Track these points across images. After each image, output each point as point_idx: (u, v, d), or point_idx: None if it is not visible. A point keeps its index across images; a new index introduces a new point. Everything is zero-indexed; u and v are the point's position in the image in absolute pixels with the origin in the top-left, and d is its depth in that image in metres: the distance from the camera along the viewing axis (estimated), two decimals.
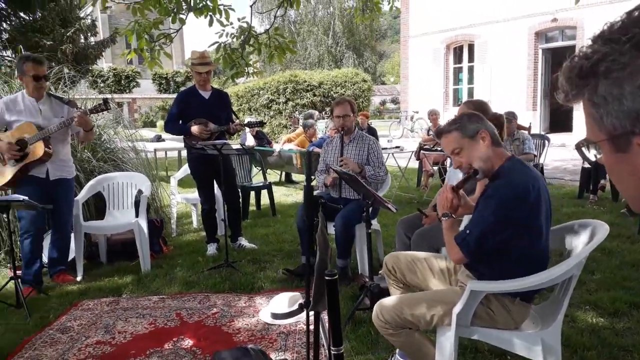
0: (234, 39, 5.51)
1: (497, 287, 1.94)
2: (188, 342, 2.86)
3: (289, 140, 8.26)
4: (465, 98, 15.63)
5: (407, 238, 3.33)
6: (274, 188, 8.23)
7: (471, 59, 15.88)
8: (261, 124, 4.78)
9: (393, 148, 7.43)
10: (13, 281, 3.37)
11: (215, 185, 4.63)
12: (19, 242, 3.88)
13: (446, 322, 1.99)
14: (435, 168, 7.17)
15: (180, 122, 4.41)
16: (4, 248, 4.14)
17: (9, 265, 3.53)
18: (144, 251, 4.13)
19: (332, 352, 1.27)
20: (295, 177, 8.93)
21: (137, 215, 4.26)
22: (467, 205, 2.15)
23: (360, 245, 3.77)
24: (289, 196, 7.57)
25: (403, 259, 2.42)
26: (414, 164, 7.81)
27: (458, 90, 16.69)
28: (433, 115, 8.48)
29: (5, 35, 12.78)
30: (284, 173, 9.00)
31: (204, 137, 4.25)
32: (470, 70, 15.99)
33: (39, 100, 3.77)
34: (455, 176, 3.15)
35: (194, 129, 4.26)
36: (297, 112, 15.79)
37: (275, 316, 3.11)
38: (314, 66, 31.43)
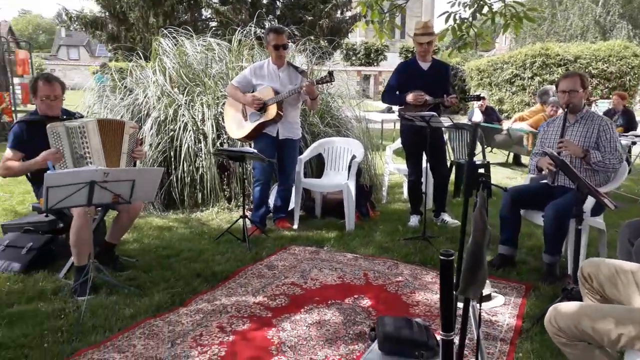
0: (466, 8, 5.25)
1: None
2: (367, 302, 3.00)
3: (521, 119, 7.59)
4: None
5: (631, 245, 2.78)
6: (498, 169, 7.76)
7: None
8: (478, 98, 4.52)
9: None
10: (242, 220, 4.05)
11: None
12: (251, 189, 4.61)
13: (637, 347, 1.64)
14: None
15: (398, 92, 4.49)
16: (239, 192, 4.95)
17: (240, 206, 4.22)
18: (349, 211, 4.43)
19: (441, 337, 1.20)
20: (525, 159, 8.20)
21: (348, 178, 4.57)
22: None
23: (571, 242, 3.30)
24: (513, 180, 7.02)
25: (605, 268, 2.04)
26: None
27: None
28: None
29: (277, 12, 14.81)
30: (511, 154, 8.36)
31: (418, 103, 4.25)
32: None
33: (280, 67, 4.31)
34: None
35: (409, 96, 4.28)
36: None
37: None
38: (575, 39, 27.59)
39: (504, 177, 7.08)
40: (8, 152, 3.22)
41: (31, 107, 3.41)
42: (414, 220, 4.62)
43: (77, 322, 2.62)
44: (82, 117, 3.50)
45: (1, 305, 2.81)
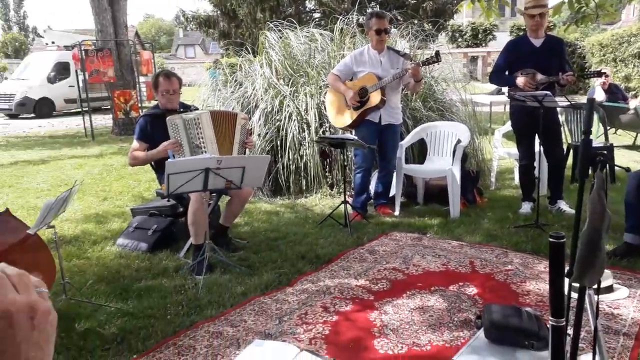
0: None
1: None
2: (472, 290, 2.91)
3: None
4: None
5: None
6: (624, 152, 7.03)
7: None
8: (599, 74, 4.11)
9: None
10: (344, 205, 4.11)
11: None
12: (352, 175, 4.66)
13: None
14: None
15: (507, 72, 4.25)
16: (341, 179, 5.02)
17: (342, 192, 4.29)
18: (454, 198, 4.30)
19: (551, 324, 1.13)
20: None
21: (452, 164, 4.43)
22: None
23: None
24: None
25: None
26: None
27: None
28: None
29: None
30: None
31: (529, 89, 3.99)
32: None
33: (380, 52, 4.29)
34: None
35: (519, 80, 4.03)
36: None
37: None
38: None
39: (630, 161, 6.38)
40: (134, 144, 3.58)
41: (154, 103, 3.79)
42: (525, 207, 4.36)
43: (195, 298, 2.87)
44: (197, 109, 3.78)
45: (132, 280, 3.15)
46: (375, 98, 4.16)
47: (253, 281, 3.08)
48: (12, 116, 17.44)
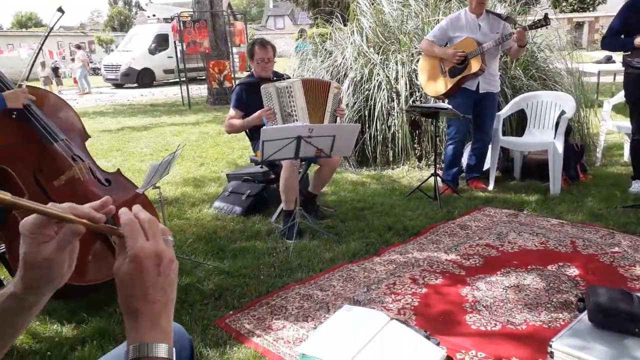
0: None
1: None
2: (573, 271, 2.73)
3: None
4: None
5: None
6: None
7: None
8: None
9: None
10: (434, 177, 4.01)
11: None
12: (443, 147, 4.50)
13: None
14: None
15: (623, 36, 3.84)
16: (431, 150, 4.88)
17: (431, 165, 4.17)
18: (555, 173, 4.03)
19: None
20: None
21: (555, 137, 4.13)
22: None
23: None
24: None
25: None
26: None
27: None
28: None
29: None
30: None
31: None
32: None
33: (479, 16, 4.05)
34: None
35: (638, 40, 3.62)
36: None
37: None
38: None
39: None
40: (231, 111, 3.71)
41: (246, 74, 3.92)
42: (636, 186, 3.98)
43: (286, 260, 2.96)
44: (289, 78, 3.82)
45: (227, 241, 3.32)
46: (475, 64, 3.96)
47: (341, 248, 3.12)
48: (118, 86, 18.84)
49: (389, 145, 5.13)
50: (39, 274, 0.74)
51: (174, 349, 0.72)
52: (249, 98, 3.63)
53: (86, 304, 2.45)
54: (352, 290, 2.60)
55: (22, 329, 0.80)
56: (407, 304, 2.45)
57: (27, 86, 2.52)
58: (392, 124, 5.05)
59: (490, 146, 4.32)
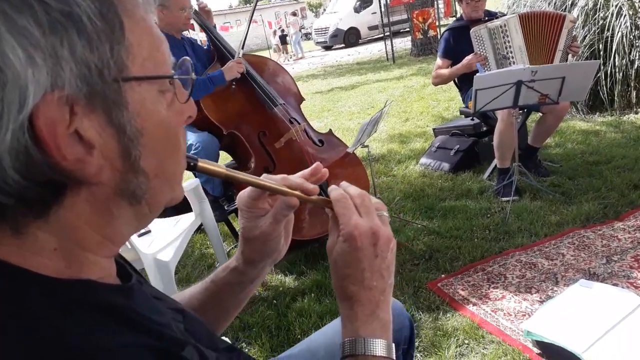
0: None
1: None
2: None
3: None
4: None
5: None
6: None
7: None
8: None
9: None
10: None
11: None
12: None
13: None
14: None
15: None
16: None
17: None
18: None
19: None
20: None
21: None
22: None
23: None
24: None
25: None
26: None
27: None
28: None
29: None
30: None
31: None
32: None
33: None
34: None
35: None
36: None
37: None
38: None
39: None
40: (438, 61, 3.46)
41: (452, 20, 3.55)
42: None
43: (503, 223, 2.68)
44: (504, 16, 3.37)
45: (436, 200, 3.16)
46: None
47: (570, 211, 2.69)
48: (327, 48, 19.83)
49: (632, 84, 4.22)
50: (257, 248, 0.73)
51: (392, 344, 0.62)
52: (457, 44, 3.32)
53: (304, 257, 2.61)
54: (586, 260, 2.21)
55: (245, 300, 0.81)
56: None
57: (243, 55, 2.71)
58: (636, 57, 4.12)
59: None
